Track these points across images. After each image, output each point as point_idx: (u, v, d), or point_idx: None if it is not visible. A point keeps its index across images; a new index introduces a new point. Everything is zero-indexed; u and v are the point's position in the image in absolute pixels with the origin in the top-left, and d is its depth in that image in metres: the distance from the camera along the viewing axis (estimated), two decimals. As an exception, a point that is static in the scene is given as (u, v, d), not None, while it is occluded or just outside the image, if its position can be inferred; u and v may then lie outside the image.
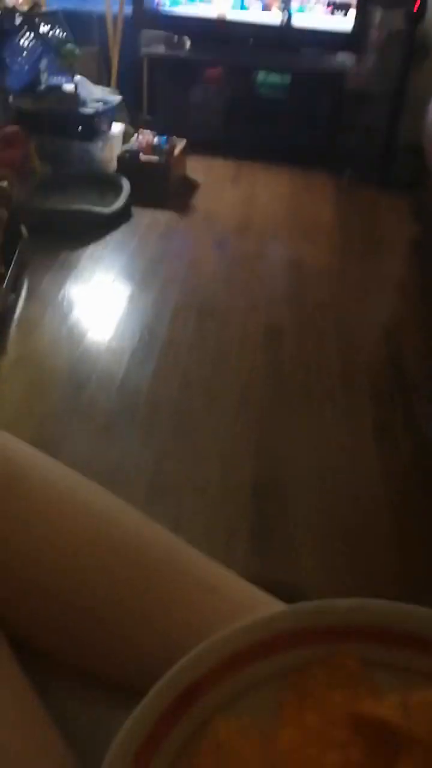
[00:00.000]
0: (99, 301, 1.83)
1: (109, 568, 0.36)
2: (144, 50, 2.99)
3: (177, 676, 0.26)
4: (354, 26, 2.91)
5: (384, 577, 1.11)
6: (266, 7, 2.91)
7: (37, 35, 2.38)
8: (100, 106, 2.47)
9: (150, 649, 0.34)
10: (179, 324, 1.75)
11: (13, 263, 1.83)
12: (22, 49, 2.36)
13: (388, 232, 2.45)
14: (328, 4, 2.88)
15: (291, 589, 0.39)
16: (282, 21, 2.89)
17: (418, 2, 2.66)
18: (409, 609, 0.27)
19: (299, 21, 2.91)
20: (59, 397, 1.46)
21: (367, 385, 1.59)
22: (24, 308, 1.76)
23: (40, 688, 0.35)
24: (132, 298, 1.86)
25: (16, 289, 1.80)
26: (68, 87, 2.44)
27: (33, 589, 0.36)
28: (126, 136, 2.65)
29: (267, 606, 0.35)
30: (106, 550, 0.37)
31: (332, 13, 2.90)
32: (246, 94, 3.11)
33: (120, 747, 0.25)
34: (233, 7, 2.92)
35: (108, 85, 2.95)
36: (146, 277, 1.97)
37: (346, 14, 2.90)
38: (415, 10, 2.68)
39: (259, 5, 2.91)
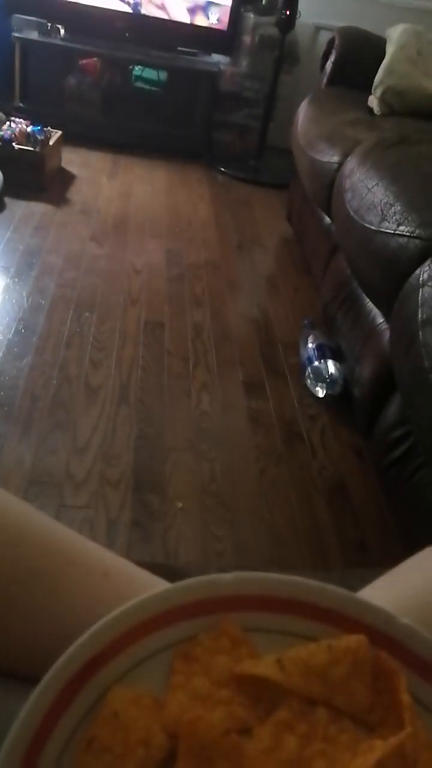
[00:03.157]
0: (-29, 294, 1.76)
1: None
2: (15, 35, 2.89)
3: (75, 654, 0.28)
4: (227, 29, 2.99)
5: (258, 556, 1.18)
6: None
7: None
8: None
9: (44, 638, 0.34)
10: (56, 317, 1.73)
11: None
12: None
13: (261, 228, 2.56)
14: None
15: (174, 572, 0.41)
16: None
17: (288, 11, 2.79)
18: (284, 578, 0.30)
19: (176, 18, 2.95)
20: None
21: (241, 375, 1.66)
22: None
23: None
24: (6, 291, 1.80)
25: None
26: None
27: None
28: (-3, 124, 2.55)
29: (157, 587, 0.36)
30: None
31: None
32: (123, 86, 3.10)
33: (21, 724, 0.26)
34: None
35: (-23, 68, 2.83)
36: (21, 269, 1.92)
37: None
38: (284, 18, 2.80)
39: None
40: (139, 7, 2.91)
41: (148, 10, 2.92)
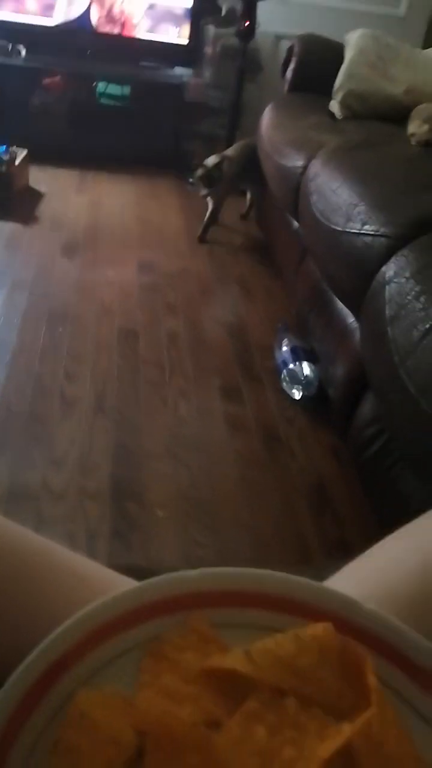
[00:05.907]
0: None
1: None
2: (-23, 55, 2.88)
3: (42, 654, 0.27)
4: (188, 42, 3.02)
5: (241, 560, 1.18)
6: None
7: None
8: None
9: (21, 643, 0.33)
10: (29, 331, 1.72)
11: None
12: None
13: (232, 235, 2.57)
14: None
15: (153, 574, 0.41)
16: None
17: (248, 22, 2.82)
18: (248, 571, 0.30)
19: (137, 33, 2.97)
20: None
21: (218, 381, 1.66)
22: None
23: None
24: (-22, 309, 1.79)
25: None
26: None
27: None
28: (-38, 143, 2.54)
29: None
30: None
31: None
32: (88, 102, 3.11)
33: None
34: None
35: None
36: (-8, 287, 1.91)
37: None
38: (244, 29, 2.83)
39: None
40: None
41: (103, 26, 2.93)
